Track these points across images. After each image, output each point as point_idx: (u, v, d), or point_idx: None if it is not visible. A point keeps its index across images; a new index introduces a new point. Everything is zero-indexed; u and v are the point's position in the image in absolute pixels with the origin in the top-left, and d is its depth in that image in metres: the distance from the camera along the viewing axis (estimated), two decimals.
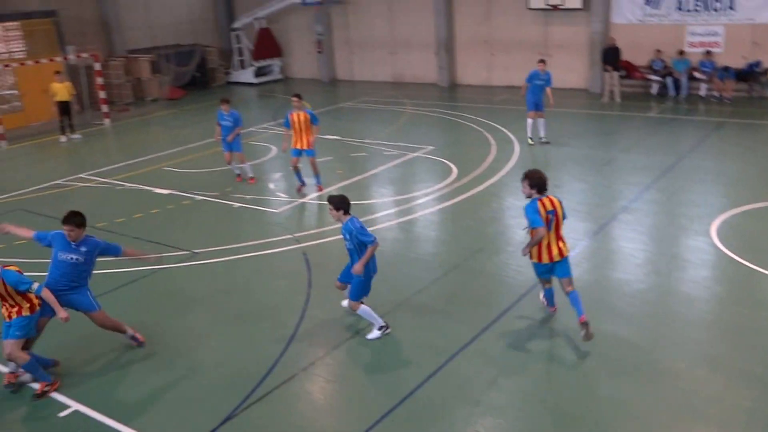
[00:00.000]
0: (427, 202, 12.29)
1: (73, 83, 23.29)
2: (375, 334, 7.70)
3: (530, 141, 15.87)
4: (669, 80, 20.54)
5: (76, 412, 6.68)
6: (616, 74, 20.46)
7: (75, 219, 7.28)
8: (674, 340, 7.39)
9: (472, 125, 18.39)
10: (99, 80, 21.78)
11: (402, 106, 21.55)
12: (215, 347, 7.86)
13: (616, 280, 9.00)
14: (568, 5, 21.53)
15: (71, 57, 22.02)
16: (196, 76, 28.06)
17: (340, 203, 7.51)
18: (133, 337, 7.86)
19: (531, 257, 7.43)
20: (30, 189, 14.65)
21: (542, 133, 15.88)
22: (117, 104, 24.65)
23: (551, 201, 7.29)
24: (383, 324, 7.72)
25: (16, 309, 6.90)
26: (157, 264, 9.31)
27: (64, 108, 19.32)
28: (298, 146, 12.91)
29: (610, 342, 7.37)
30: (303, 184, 13.31)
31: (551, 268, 7.44)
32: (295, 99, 13.09)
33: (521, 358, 7.24)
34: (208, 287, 9.46)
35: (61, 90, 19.14)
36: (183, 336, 8.16)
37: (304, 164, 13.20)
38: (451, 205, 12.12)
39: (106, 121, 21.77)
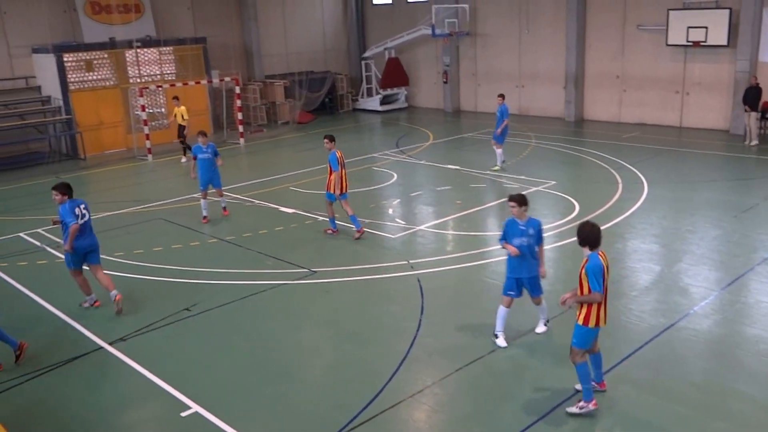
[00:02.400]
0: (545, 238, 11.94)
1: (215, 105, 25.11)
2: (541, 328, 8.50)
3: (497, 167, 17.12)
4: None
5: (196, 413, 7.05)
6: (754, 115, 19.18)
7: (60, 187, 9.13)
8: None
9: (598, 162, 17.81)
10: (238, 103, 23.23)
11: (526, 139, 21.28)
12: (326, 365, 8.05)
13: (750, 336, 8.31)
14: (711, 42, 20.45)
15: (215, 80, 23.70)
16: (326, 102, 29.26)
17: (526, 200, 7.95)
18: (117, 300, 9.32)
19: (581, 319, 6.52)
20: (169, 200, 15.81)
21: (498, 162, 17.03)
22: (252, 126, 26.17)
23: (604, 256, 6.54)
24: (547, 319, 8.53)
25: None
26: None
27: (180, 131, 20.43)
28: (342, 191, 12.15)
29: (741, 402, 6.81)
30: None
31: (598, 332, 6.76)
32: (326, 141, 12.32)
33: (640, 409, 6.83)
34: (323, 306, 9.73)
35: (178, 114, 20.29)
36: (296, 351, 8.42)
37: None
38: (571, 242, 11.72)
39: (241, 141, 23.13)
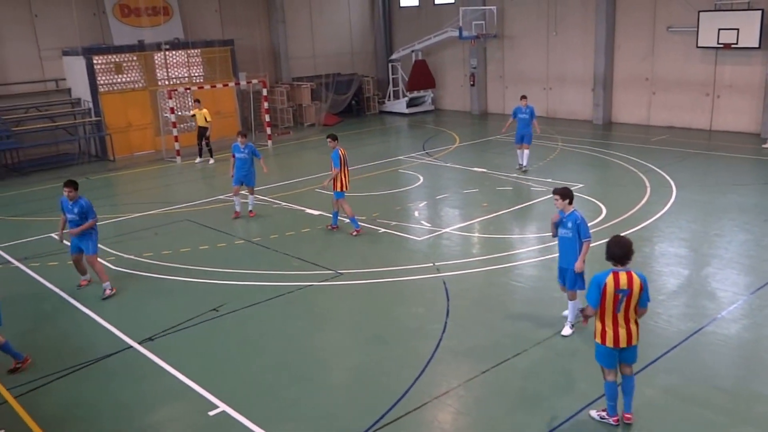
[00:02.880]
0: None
1: (243, 107, 25.34)
2: (567, 330, 8.42)
3: (518, 166, 17.47)
4: None
5: (224, 412, 7.13)
6: None
7: (73, 183, 10.03)
8: None
9: (626, 165, 17.61)
10: (265, 105, 23.42)
11: (553, 142, 21.12)
12: (351, 366, 8.09)
13: None
14: (742, 44, 20.09)
15: (242, 83, 23.93)
16: (352, 104, 29.36)
17: (569, 193, 8.15)
18: (105, 291, 10.18)
19: (594, 336, 6.37)
20: (196, 202, 16.00)
21: (524, 162, 17.23)
22: (279, 128, 26.37)
23: (630, 278, 6.06)
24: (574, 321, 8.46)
25: None
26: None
27: (201, 132, 20.74)
28: (340, 189, 12.53)
29: None
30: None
31: (616, 354, 6.29)
32: (329, 140, 12.67)
33: (667, 413, 6.74)
34: (348, 307, 9.77)
35: (199, 116, 20.64)
36: (322, 351, 8.47)
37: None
38: (598, 246, 11.60)
39: (269, 143, 23.31)
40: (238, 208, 14.28)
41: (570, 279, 8.33)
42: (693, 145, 19.86)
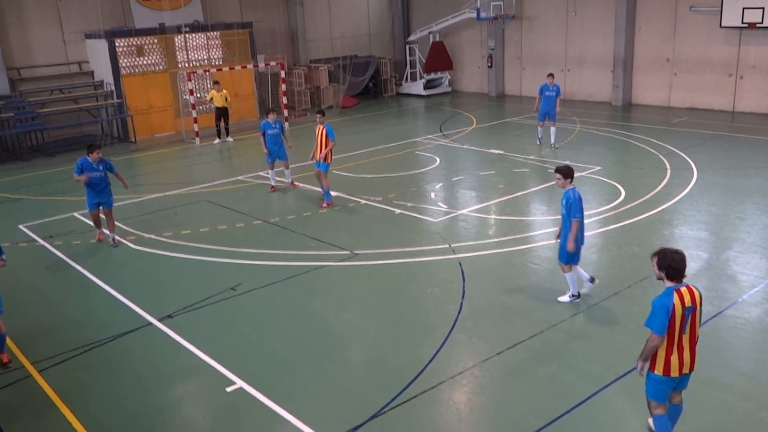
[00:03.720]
0: (590, 224, 11.80)
1: (261, 89, 25.40)
2: (565, 298, 8.79)
3: (538, 142, 18.09)
4: None
5: (241, 388, 7.26)
6: None
7: (98, 146, 11.65)
8: None
9: (646, 147, 17.43)
10: (283, 87, 23.45)
11: (571, 124, 20.94)
12: (367, 345, 8.17)
13: None
14: None
15: (261, 65, 23.96)
16: (370, 86, 29.28)
17: (570, 172, 8.38)
18: (114, 239, 11.80)
19: (650, 367, 5.60)
20: (215, 182, 16.13)
21: (552, 140, 17.64)
22: (296, 110, 26.41)
23: (691, 293, 5.41)
24: (576, 294, 8.77)
25: None
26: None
27: (221, 113, 21.07)
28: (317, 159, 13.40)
29: None
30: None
31: (679, 382, 5.66)
32: (318, 115, 13.58)
33: (684, 397, 6.72)
34: (365, 287, 9.85)
35: (218, 97, 20.92)
36: (338, 331, 8.56)
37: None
38: (616, 228, 11.59)
39: (286, 125, 23.33)
40: (273, 182, 14.98)
41: (563, 254, 8.62)
42: (715, 126, 19.59)
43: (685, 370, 5.56)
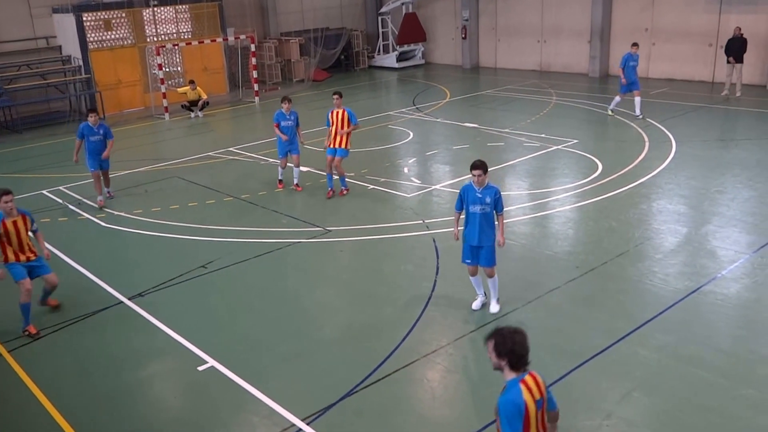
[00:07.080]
0: (566, 198, 11.74)
1: (230, 63, 24.84)
2: (495, 307, 8.02)
3: (611, 112, 17.81)
4: None
5: (213, 367, 7.07)
6: (739, 66, 18.88)
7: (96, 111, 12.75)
8: None
9: (624, 119, 17.34)
10: (253, 61, 22.91)
11: (547, 96, 20.79)
12: (340, 324, 7.99)
13: None
14: None
15: (230, 38, 23.37)
16: (341, 59, 28.78)
17: (487, 167, 7.58)
18: (109, 192, 12.85)
19: None
20: (185, 158, 15.73)
21: (638, 111, 17.13)
22: (267, 84, 25.88)
23: (536, 382, 4.22)
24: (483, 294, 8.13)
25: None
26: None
27: (192, 102, 20.96)
28: (333, 145, 12.27)
29: None
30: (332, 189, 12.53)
31: None
32: (336, 97, 12.30)
33: (661, 373, 6.68)
34: (337, 265, 9.65)
35: (192, 94, 20.87)
36: (311, 309, 8.37)
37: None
38: (593, 203, 11.49)
39: (256, 100, 22.90)
40: (281, 177, 13.20)
41: (488, 256, 7.74)
42: (694, 98, 19.53)
43: None
